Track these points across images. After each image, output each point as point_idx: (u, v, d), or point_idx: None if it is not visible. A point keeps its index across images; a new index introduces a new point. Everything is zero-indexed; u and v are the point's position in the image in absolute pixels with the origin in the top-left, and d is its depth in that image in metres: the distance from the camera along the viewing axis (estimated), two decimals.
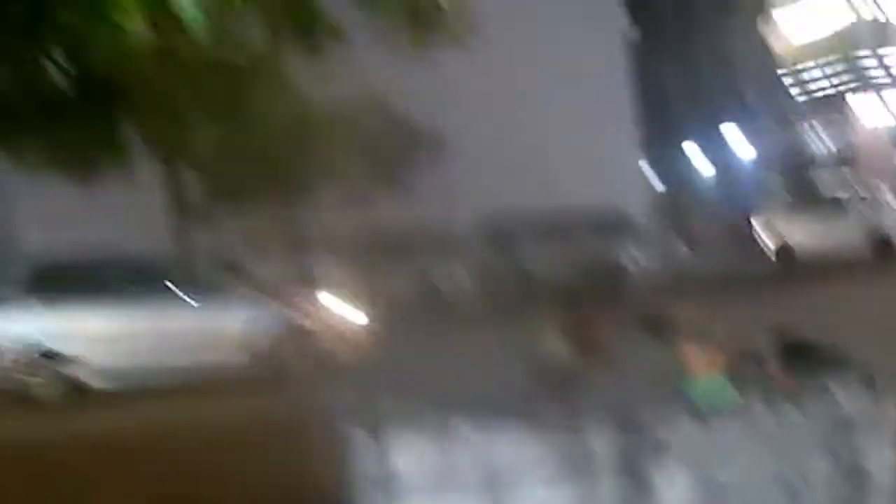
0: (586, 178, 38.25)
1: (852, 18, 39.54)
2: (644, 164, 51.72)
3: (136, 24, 3.79)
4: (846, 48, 40.25)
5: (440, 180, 38.91)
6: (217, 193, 32.63)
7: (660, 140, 54.48)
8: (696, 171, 58.99)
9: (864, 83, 38.08)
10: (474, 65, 35.15)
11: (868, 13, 34.17)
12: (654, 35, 53.78)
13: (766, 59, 49.39)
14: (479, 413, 4.31)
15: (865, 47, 36.93)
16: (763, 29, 49.23)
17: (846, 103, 43.48)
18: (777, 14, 48.19)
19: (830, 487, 4.23)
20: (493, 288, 32.33)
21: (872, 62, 34.10)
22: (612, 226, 32.51)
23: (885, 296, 23.70)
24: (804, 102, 48.02)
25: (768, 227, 37.07)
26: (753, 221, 39.04)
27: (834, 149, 45.97)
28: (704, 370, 5.02)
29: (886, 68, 31.63)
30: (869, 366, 4.21)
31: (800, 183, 40.75)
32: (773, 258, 35.44)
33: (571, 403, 4.57)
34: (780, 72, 49.18)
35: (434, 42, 6.64)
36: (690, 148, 58.14)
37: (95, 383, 18.39)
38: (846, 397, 4.22)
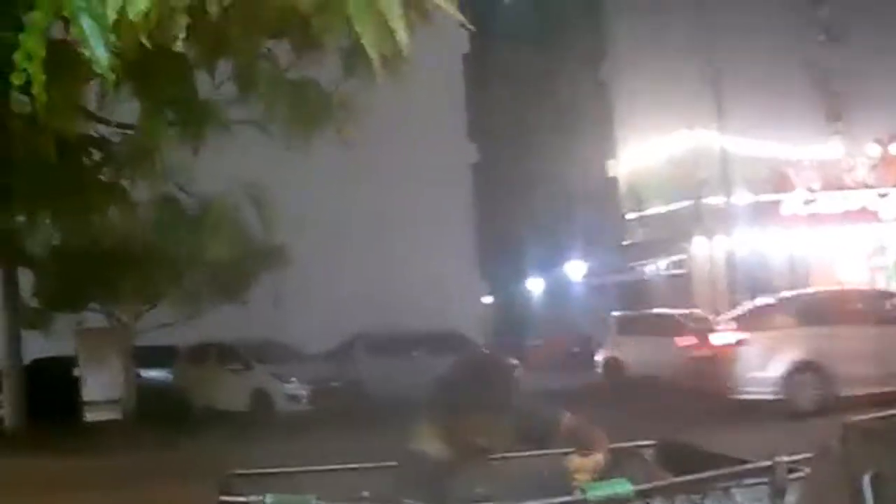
0: (429, 303, 38.60)
1: (699, 161, 40.64)
2: (485, 291, 52.31)
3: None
4: (690, 188, 41.33)
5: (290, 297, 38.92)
6: (55, 296, 31.97)
7: (501, 266, 55.13)
8: (532, 294, 59.78)
9: (708, 225, 39.03)
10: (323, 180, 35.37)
11: (714, 157, 35.13)
12: (498, 162, 54.71)
13: (609, 193, 50.41)
14: None
15: (710, 189, 37.94)
16: (608, 163, 50.33)
17: (688, 243, 44.56)
18: (623, 150, 49.32)
19: None
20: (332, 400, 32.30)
21: (717, 204, 35.00)
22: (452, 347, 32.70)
23: (714, 404, 24.64)
24: (645, 241, 49.04)
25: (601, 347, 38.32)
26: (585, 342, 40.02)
27: (672, 284, 46.94)
28: (592, 471, 5.05)
29: (730, 210, 32.50)
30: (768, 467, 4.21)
31: (634, 310, 41.62)
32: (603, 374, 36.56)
33: (455, 500, 4.50)
34: (623, 208, 50.21)
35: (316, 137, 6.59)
36: (528, 273, 58.95)
37: None
38: (746, 498, 4.21)
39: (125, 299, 32.50)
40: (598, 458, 5.20)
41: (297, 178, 26.78)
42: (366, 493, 5.17)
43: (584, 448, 5.24)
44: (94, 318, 33.93)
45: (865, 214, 44.71)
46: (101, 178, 7.62)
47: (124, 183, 7.36)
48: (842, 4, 46.43)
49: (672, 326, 37.22)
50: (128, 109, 6.20)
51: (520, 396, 5.40)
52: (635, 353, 36.16)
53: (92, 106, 6.21)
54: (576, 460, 5.18)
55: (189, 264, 30.98)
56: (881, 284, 46.14)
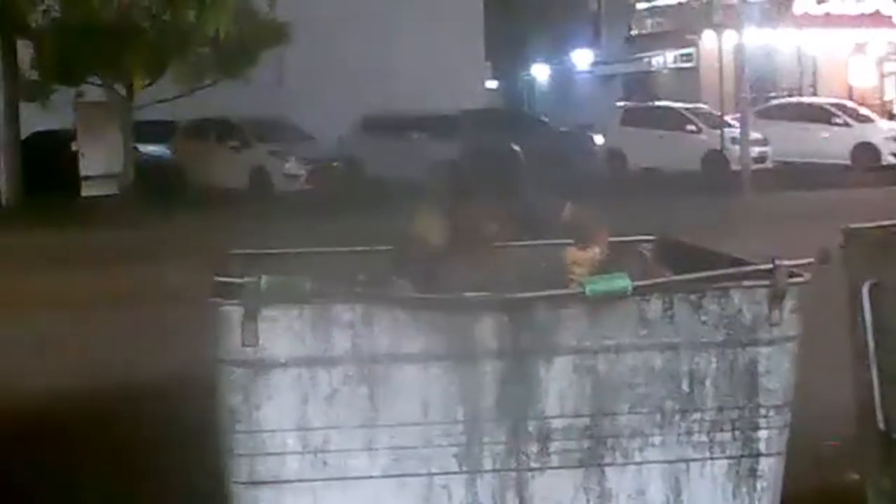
0: (435, 88, 38.38)
1: None
2: (489, 77, 51.98)
3: None
4: None
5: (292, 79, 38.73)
6: (54, 68, 31.56)
7: (506, 52, 54.68)
8: (537, 82, 59.51)
9: (719, 19, 38.60)
10: None
11: None
12: None
13: None
14: (360, 297, 4.17)
15: None
16: None
17: (698, 37, 44.09)
18: None
19: (717, 388, 4.19)
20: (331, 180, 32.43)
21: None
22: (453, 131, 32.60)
23: (714, 204, 24.80)
24: (654, 32, 48.55)
25: (605, 140, 38.29)
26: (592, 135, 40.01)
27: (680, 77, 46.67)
28: (590, 265, 5.01)
29: (742, 6, 32.12)
30: (770, 270, 4.16)
31: (640, 102, 41.49)
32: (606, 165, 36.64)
33: (451, 287, 4.47)
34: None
35: None
36: (535, 59, 58.57)
37: None
38: (744, 299, 4.17)
39: (125, 73, 32.16)
40: (596, 251, 5.15)
41: None
42: (362, 277, 5.16)
43: (585, 240, 5.19)
44: (93, 91, 33.63)
45: (879, 19, 44.17)
46: None
47: None
48: None
49: (677, 120, 37.16)
50: None
51: (522, 184, 5.34)
52: (639, 145, 36.13)
53: None
54: (574, 253, 5.13)
55: (191, 38, 30.62)
56: (891, 89, 45.98)
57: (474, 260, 4.98)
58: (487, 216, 5.12)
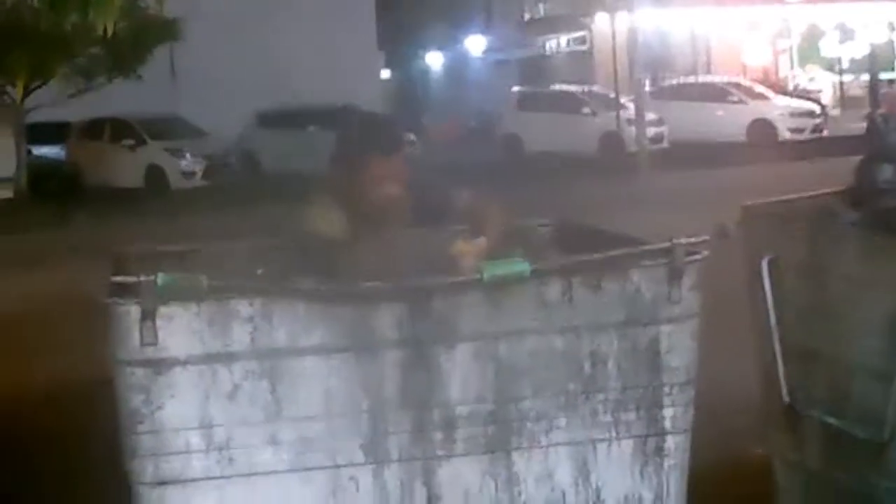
0: (325, 78, 38.26)
1: None
2: (382, 66, 51.90)
3: None
4: None
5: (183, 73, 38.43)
6: None
7: (399, 40, 54.64)
8: (431, 70, 59.54)
9: (605, 2, 38.86)
10: None
11: None
12: None
13: None
14: (257, 291, 4.12)
15: None
16: None
17: (590, 19, 44.34)
18: None
19: (620, 368, 4.21)
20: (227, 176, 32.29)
21: None
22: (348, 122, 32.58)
23: (612, 185, 24.98)
24: (547, 16, 48.78)
25: (501, 124, 38.44)
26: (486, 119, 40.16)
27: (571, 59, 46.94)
28: (488, 250, 4.98)
29: None
30: (672, 248, 4.17)
31: (535, 86, 41.68)
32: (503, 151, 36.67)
33: (349, 277, 4.44)
34: None
35: None
36: (428, 48, 58.58)
37: None
38: (643, 279, 4.19)
39: (15, 75, 31.70)
40: (493, 236, 5.11)
41: None
42: (260, 271, 5.13)
43: (481, 225, 5.16)
44: None
45: None
46: None
47: None
48: None
49: (573, 103, 37.33)
50: None
51: (418, 172, 5.32)
52: (536, 129, 36.23)
53: None
54: (460, 244, 5.06)
55: (78, 38, 30.22)
56: (784, 66, 46.53)
57: (372, 249, 4.95)
58: (385, 204, 5.09)
